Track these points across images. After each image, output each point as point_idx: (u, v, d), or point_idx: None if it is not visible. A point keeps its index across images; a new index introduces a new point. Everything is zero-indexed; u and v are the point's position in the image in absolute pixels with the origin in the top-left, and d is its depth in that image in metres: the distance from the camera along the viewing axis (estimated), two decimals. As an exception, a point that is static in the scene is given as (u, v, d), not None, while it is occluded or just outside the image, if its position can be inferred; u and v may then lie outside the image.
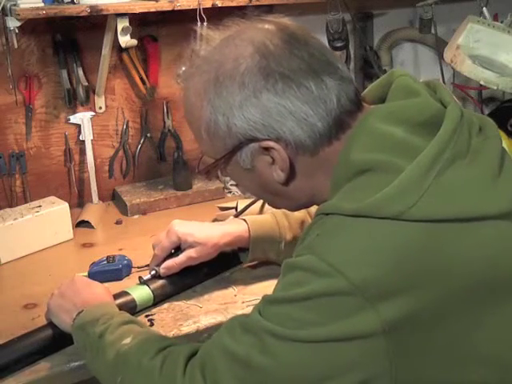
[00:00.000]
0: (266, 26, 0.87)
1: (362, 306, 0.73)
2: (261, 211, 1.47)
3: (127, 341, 0.94)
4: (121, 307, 1.13)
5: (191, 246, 1.24)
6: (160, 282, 1.24)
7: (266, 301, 0.81)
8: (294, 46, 0.84)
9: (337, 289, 0.74)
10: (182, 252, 1.24)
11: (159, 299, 1.23)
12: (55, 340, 1.09)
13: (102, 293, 1.11)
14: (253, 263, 1.36)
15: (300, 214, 1.29)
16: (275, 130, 0.84)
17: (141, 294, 1.20)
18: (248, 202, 1.62)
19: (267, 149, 0.85)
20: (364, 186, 0.80)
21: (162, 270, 1.23)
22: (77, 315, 1.03)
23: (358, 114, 0.86)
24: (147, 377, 0.88)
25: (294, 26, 0.88)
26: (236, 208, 1.54)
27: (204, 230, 1.27)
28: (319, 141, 0.85)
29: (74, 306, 1.06)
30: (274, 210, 1.29)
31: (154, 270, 1.24)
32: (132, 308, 1.17)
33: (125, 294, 1.19)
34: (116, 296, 1.17)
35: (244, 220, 1.30)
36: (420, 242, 0.75)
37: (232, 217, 1.42)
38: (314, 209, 1.22)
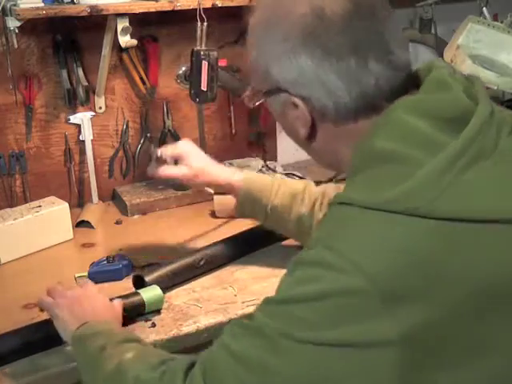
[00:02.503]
0: None
1: (378, 310, 0.69)
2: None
3: (128, 355, 0.92)
4: (129, 307, 1.14)
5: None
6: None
7: (271, 301, 0.77)
8: (352, 17, 0.81)
9: (352, 286, 0.70)
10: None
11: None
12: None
13: (111, 312, 1.09)
14: (251, 262, 1.36)
15: (299, 187, 1.30)
16: (304, 92, 0.83)
17: (151, 295, 1.19)
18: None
19: (294, 104, 0.85)
20: (382, 177, 0.77)
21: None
22: (80, 326, 1.01)
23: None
24: None
25: None
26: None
27: (203, 157, 1.34)
28: (345, 115, 0.83)
29: (81, 316, 1.04)
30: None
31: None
32: (141, 308, 1.18)
33: (135, 294, 1.19)
34: (125, 296, 1.18)
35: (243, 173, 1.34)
36: (436, 240, 0.72)
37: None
38: (330, 190, 1.24)
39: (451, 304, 0.71)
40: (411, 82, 0.85)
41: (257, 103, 0.94)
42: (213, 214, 1.63)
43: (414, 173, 0.74)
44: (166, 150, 1.33)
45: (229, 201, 1.51)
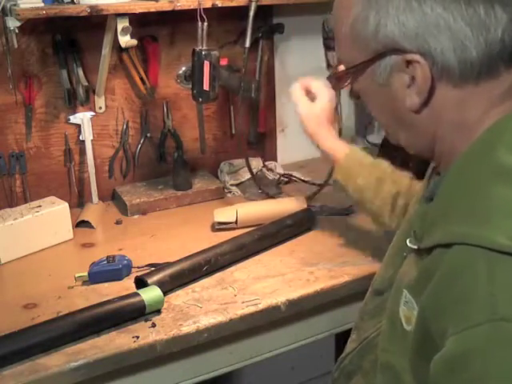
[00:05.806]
0: None
1: None
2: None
3: None
4: (129, 308, 1.14)
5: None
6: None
7: None
8: None
9: None
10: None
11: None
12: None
13: None
14: (251, 262, 1.36)
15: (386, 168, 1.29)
16: (426, 44, 0.74)
17: (151, 295, 1.19)
18: (248, 207, 1.62)
19: (410, 64, 0.76)
20: None
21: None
22: None
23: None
24: None
25: None
26: (236, 221, 1.54)
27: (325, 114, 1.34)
28: (468, 73, 0.75)
29: None
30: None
31: None
32: (141, 309, 1.18)
33: (135, 294, 1.19)
34: (126, 296, 1.18)
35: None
36: None
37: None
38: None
39: None
40: None
41: (346, 84, 0.86)
42: (212, 214, 1.63)
43: None
44: (307, 82, 1.34)
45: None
